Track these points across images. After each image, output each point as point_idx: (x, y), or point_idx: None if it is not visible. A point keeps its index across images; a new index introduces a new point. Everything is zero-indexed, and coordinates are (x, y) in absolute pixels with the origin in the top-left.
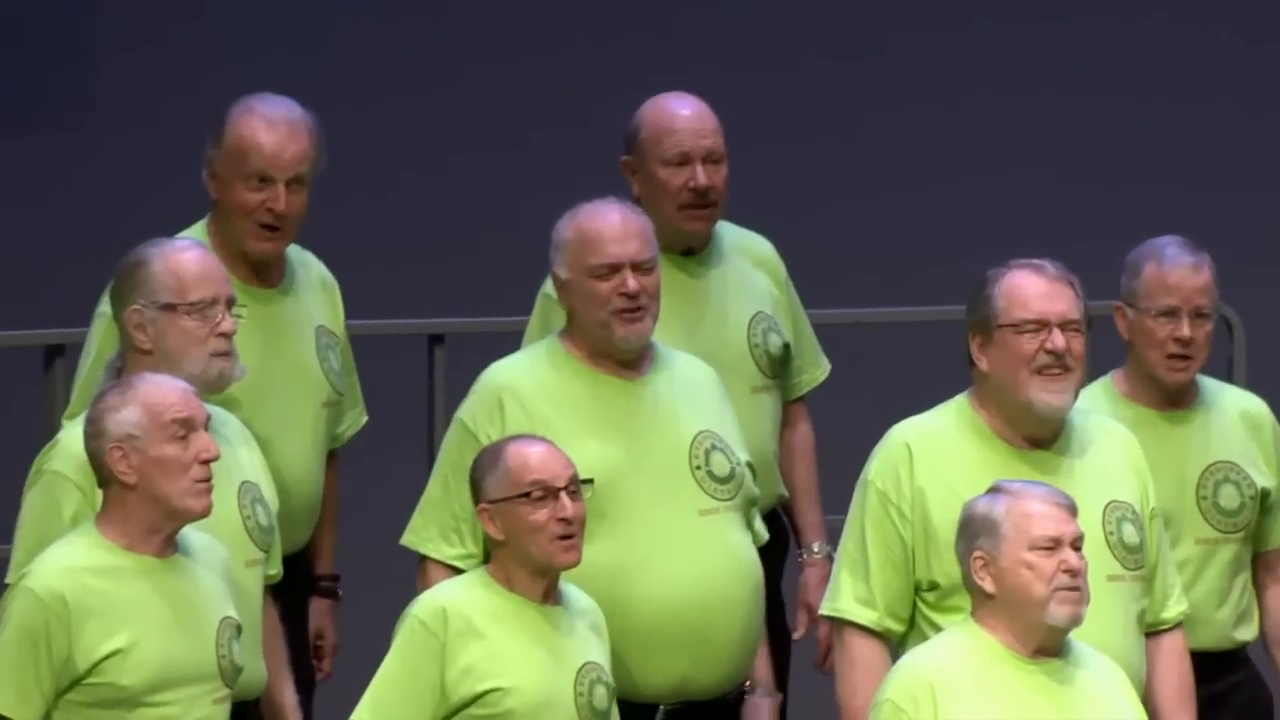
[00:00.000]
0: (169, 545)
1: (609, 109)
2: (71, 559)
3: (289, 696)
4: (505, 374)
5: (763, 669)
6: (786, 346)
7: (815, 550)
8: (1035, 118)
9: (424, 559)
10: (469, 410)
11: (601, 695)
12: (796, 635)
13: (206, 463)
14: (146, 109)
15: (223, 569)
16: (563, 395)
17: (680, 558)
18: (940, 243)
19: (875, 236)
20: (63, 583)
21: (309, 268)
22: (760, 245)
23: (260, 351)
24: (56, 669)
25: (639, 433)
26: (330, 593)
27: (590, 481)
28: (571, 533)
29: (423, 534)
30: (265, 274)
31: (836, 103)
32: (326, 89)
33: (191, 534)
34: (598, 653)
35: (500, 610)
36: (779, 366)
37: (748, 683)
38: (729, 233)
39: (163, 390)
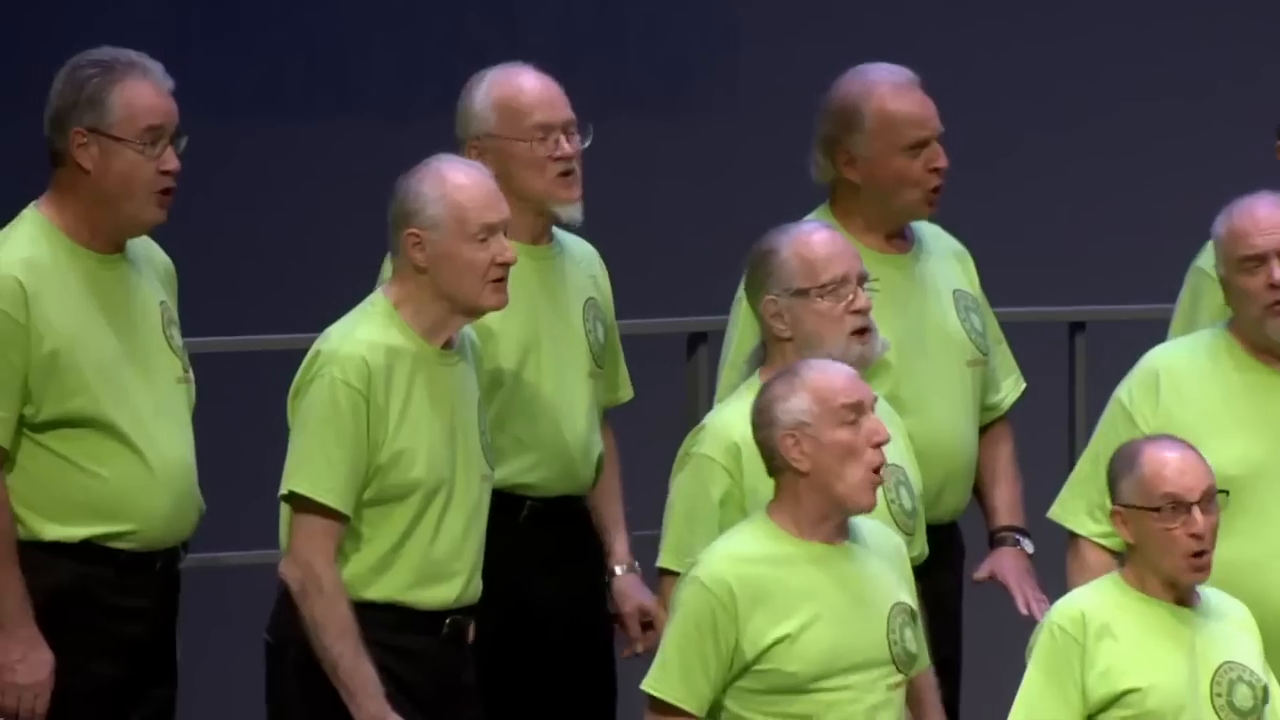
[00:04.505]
0: (840, 533)
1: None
2: (740, 547)
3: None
4: (1165, 357)
5: None
6: None
7: None
8: None
9: (1072, 535)
10: (1127, 389)
11: (1244, 694)
12: None
13: (877, 446)
14: (787, 89)
15: (896, 556)
16: (1216, 385)
17: None
18: None
19: None
20: (729, 571)
21: (939, 238)
22: None
23: (902, 316)
24: (724, 658)
25: None
26: (1014, 543)
27: (1226, 492)
28: (1203, 549)
29: (1070, 508)
30: (896, 241)
31: None
32: (925, 56)
33: (864, 521)
34: (1243, 651)
35: (1135, 612)
36: None
37: None
38: None
39: (829, 376)
